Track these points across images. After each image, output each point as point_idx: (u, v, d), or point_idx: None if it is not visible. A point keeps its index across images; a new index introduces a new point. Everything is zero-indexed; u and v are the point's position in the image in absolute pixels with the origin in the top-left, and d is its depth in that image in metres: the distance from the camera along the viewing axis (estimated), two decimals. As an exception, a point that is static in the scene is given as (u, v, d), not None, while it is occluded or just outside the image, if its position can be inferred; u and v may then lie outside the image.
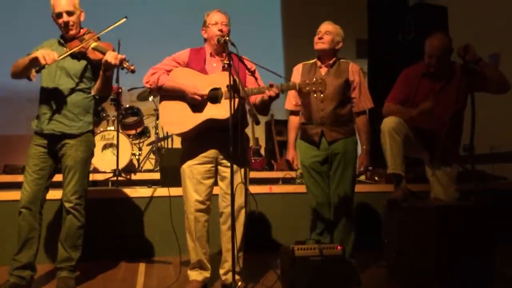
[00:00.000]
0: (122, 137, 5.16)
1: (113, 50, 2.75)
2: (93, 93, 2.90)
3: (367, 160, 3.11)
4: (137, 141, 5.94)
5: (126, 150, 5.23)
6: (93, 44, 2.79)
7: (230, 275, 2.58)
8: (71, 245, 2.89)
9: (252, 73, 2.83)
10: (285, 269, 2.87)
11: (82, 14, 2.90)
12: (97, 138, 5.28)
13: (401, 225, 3.04)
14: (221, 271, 2.86)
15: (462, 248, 2.75)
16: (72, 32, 2.85)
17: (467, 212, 2.84)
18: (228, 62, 2.50)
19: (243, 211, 2.76)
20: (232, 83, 2.47)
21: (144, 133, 5.98)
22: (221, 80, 2.65)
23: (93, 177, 4.87)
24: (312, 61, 3.16)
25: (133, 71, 2.72)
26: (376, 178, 4.93)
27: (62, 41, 2.91)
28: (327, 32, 3.03)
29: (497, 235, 2.90)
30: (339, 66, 3.09)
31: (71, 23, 2.82)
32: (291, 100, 3.20)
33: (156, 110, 5.86)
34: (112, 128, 5.45)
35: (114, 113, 5.26)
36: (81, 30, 2.90)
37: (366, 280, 3.06)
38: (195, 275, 2.83)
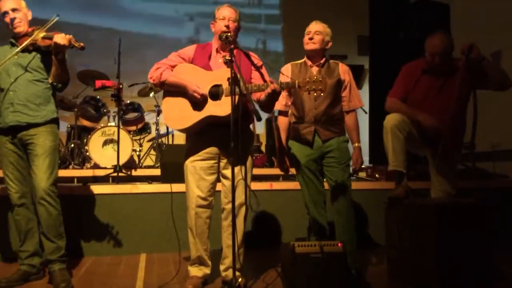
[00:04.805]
0: (123, 133, 5.16)
1: None
2: (50, 81, 2.97)
3: (361, 157, 3.11)
4: (137, 137, 5.95)
5: (127, 146, 5.24)
6: (42, 34, 2.91)
7: (230, 271, 2.58)
8: (56, 234, 2.89)
9: (258, 68, 2.82)
10: (285, 266, 2.86)
11: (29, 13, 3.02)
12: (98, 133, 5.29)
13: (402, 223, 3.04)
14: (222, 267, 2.86)
15: (463, 246, 2.75)
16: (20, 29, 2.95)
17: (467, 210, 2.83)
18: (230, 58, 2.49)
19: (243, 207, 2.75)
20: (233, 79, 2.45)
21: (145, 129, 5.99)
22: (223, 77, 2.64)
23: (93, 172, 4.90)
24: (300, 61, 3.15)
25: (82, 48, 2.83)
26: (376, 175, 4.92)
27: (13, 41, 3.00)
28: (317, 32, 3.02)
29: (498, 234, 2.90)
30: (329, 66, 3.09)
31: (17, 19, 2.93)
32: (281, 100, 3.11)
33: (157, 106, 5.86)
34: (113, 124, 5.46)
35: (115, 109, 5.25)
36: (29, 29, 2.99)
37: (366, 278, 3.06)
38: (195, 271, 2.84)
